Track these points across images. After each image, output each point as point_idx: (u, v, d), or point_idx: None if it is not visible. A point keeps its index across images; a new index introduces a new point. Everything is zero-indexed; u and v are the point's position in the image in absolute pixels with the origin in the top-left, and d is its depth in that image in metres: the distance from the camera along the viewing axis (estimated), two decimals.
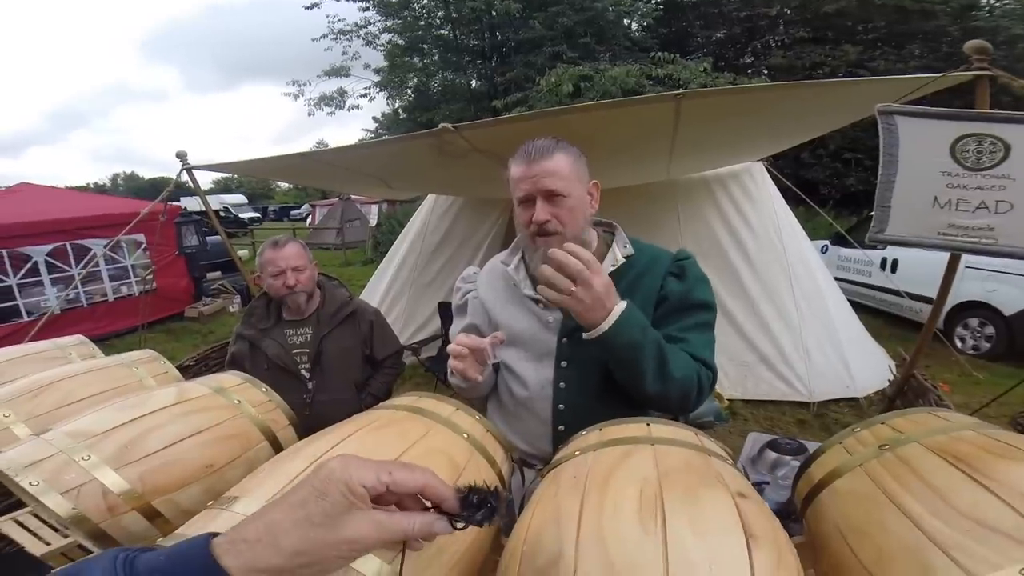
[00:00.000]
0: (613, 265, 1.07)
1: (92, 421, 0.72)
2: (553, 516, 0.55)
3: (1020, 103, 1.55)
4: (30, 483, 0.61)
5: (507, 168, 1.05)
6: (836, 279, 5.21)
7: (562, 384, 1.07)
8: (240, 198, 28.10)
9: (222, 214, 13.64)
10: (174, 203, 8.50)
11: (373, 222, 14.61)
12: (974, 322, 5.50)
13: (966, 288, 5.45)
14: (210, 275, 8.58)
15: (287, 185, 41.07)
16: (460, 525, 0.46)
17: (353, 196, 14.73)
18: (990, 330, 5.38)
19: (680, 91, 1.88)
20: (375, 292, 4.43)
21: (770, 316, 3.41)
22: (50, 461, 0.65)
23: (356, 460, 0.43)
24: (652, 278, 1.07)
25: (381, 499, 0.44)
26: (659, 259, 1.10)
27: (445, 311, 3.93)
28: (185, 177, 2.84)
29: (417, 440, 0.65)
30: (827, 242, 6.96)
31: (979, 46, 1.59)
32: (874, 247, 6.17)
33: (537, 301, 1.10)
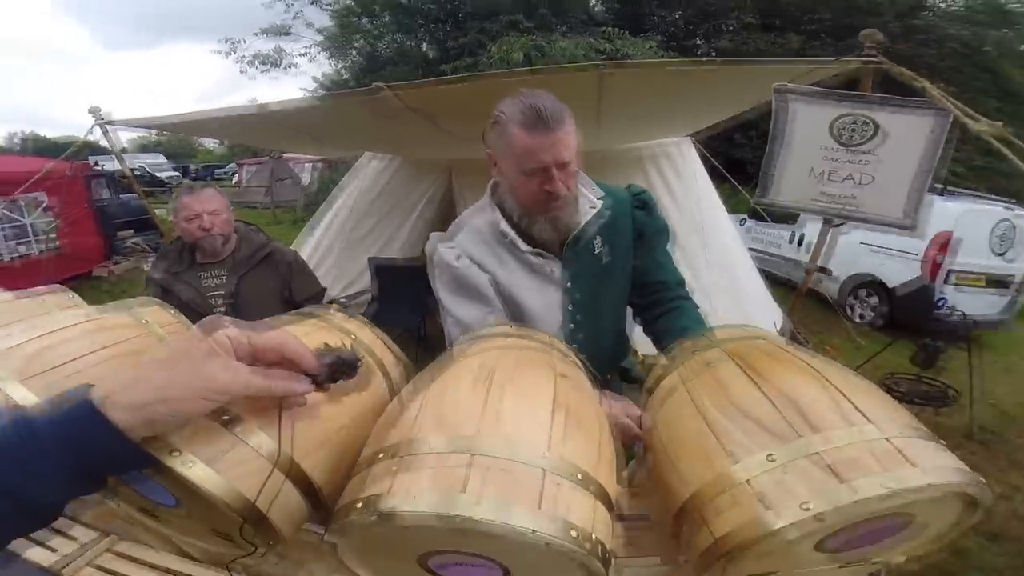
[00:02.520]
0: (593, 208, 1.13)
1: None
2: (409, 390, 0.65)
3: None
4: None
5: (503, 125, 1.00)
6: (752, 250, 5.66)
7: (572, 326, 1.16)
8: (158, 157, 25.81)
9: (138, 174, 12.61)
10: (85, 161, 7.79)
11: (306, 181, 14.03)
12: (864, 293, 6.17)
13: (860, 262, 6.10)
14: (122, 233, 8.00)
15: (212, 144, 38.07)
16: (321, 381, 0.52)
17: (285, 155, 14.03)
18: (875, 301, 6.06)
19: (602, 63, 1.97)
20: (304, 247, 4.32)
21: (688, 280, 3.69)
22: None
23: (218, 316, 0.49)
24: (624, 217, 1.18)
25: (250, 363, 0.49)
26: (621, 196, 1.19)
27: (378, 268, 3.93)
28: (99, 135, 2.62)
29: (302, 337, 0.70)
30: (746, 216, 7.51)
31: (871, 36, 1.76)
32: (785, 223, 6.80)
33: (537, 254, 1.12)
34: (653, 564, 0.78)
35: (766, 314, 4.09)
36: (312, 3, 13.34)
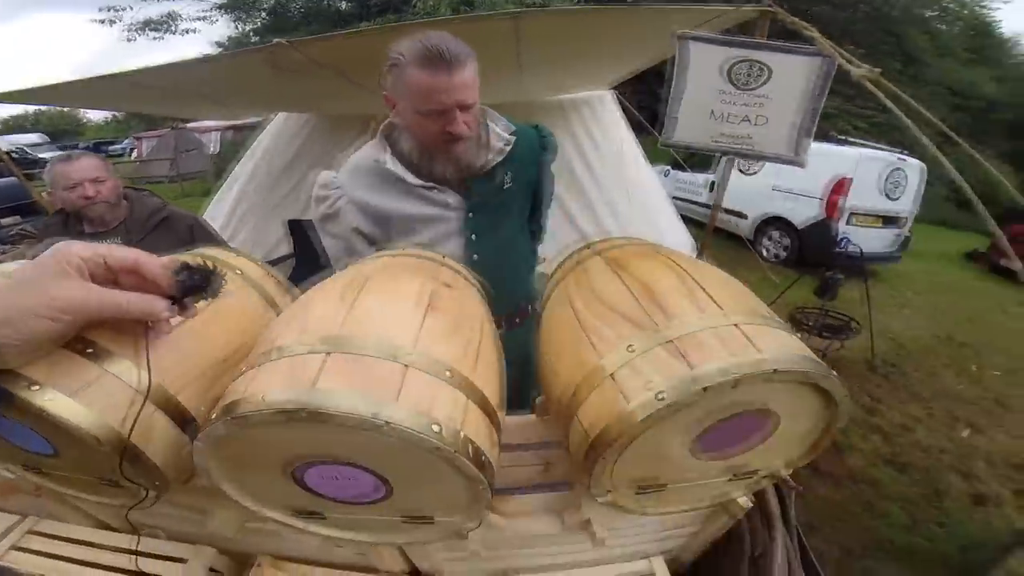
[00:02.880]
0: (507, 144, 1.15)
1: None
2: (292, 304, 0.65)
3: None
4: None
5: (400, 67, 0.97)
6: (675, 198, 5.96)
7: (475, 256, 1.16)
8: (38, 137, 22.76)
9: (15, 155, 11.17)
10: None
11: (214, 150, 13.02)
12: (775, 234, 6.71)
13: (770, 205, 6.62)
14: (5, 220, 7.13)
15: (101, 118, 34.01)
16: (176, 297, 0.50)
17: (188, 124, 12.88)
18: (786, 240, 6.61)
19: (517, 11, 1.94)
20: (216, 216, 4.02)
21: (611, 225, 3.82)
22: None
23: (71, 241, 0.46)
24: (532, 152, 1.22)
25: (104, 284, 0.47)
26: (530, 135, 1.24)
27: (296, 229, 3.74)
28: None
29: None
30: (668, 167, 7.86)
31: None
32: (703, 171, 7.18)
33: (430, 188, 1.12)
34: (563, 491, 0.78)
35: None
36: None
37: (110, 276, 0.47)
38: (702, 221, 7.24)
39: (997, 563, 1.96)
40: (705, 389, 0.49)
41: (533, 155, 1.23)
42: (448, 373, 0.51)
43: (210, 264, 0.51)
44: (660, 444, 0.57)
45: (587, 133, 3.83)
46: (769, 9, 1.85)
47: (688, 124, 1.51)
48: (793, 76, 1.55)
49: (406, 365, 0.49)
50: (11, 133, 25.36)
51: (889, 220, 6.38)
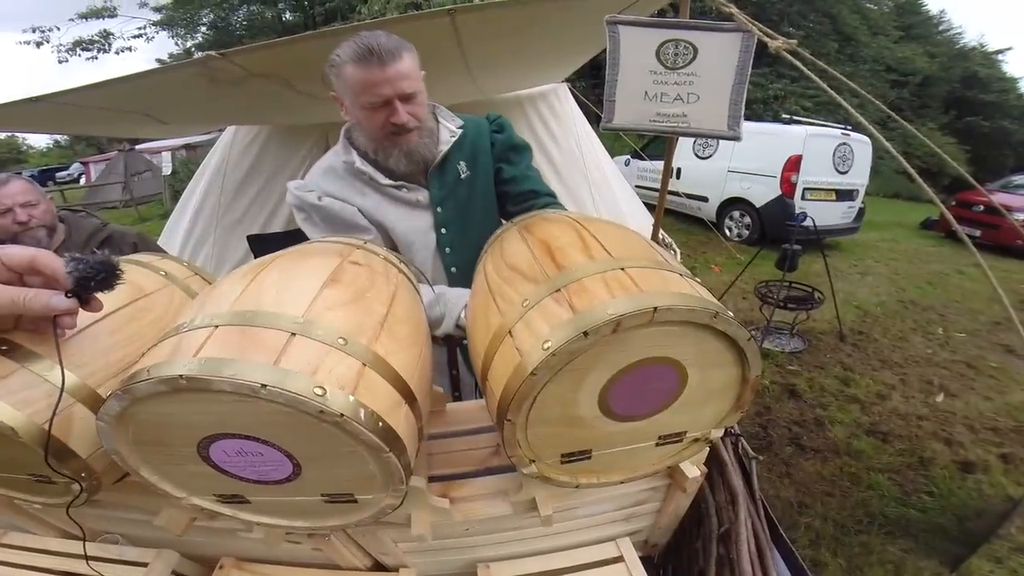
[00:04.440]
0: (453, 136, 1.19)
1: None
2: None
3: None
4: None
5: (338, 67, 1.01)
6: (637, 187, 6.09)
7: (448, 249, 1.20)
8: None
9: None
10: None
11: (167, 171, 12.69)
12: (737, 214, 6.91)
13: (729, 187, 6.84)
14: None
15: (44, 143, 32.67)
16: (74, 291, 0.51)
17: (139, 146, 12.50)
18: (748, 220, 6.82)
19: (451, 7, 1.95)
20: (173, 238, 3.93)
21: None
22: None
23: None
24: (483, 139, 1.26)
25: (7, 284, 0.48)
26: (479, 123, 1.28)
27: (258, 244, 3.69)
28: None
29: None
30: (629, 156, 8.04)
31: None
32: (662, 158, 7.33)
33: (399, 186, 1.16)
34: (514, 473, 0.77)
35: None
36: None
37: (13, 276, 0.48)
38: (669, 208, 7.40)
39: (996, 532, 2.01)
40: (586, 334, 0.47)
41: (485, 141, 1.26)
42: (342, 340, 0.50)
43: (102, 254, 0.52)
44: (566, 404, 0.55)
45: (545, 127, 3.87)
46: None
47: (625, 107, 1.54)
48: (718, 53, 1.60)
49: (292, 333, 0.48)
50: None
51: (842, 193, 6.64)
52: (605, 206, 3.98)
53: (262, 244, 3.70)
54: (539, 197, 1.28)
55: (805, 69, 1.49)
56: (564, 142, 3.91)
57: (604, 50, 1.56)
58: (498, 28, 2.24)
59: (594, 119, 4.66)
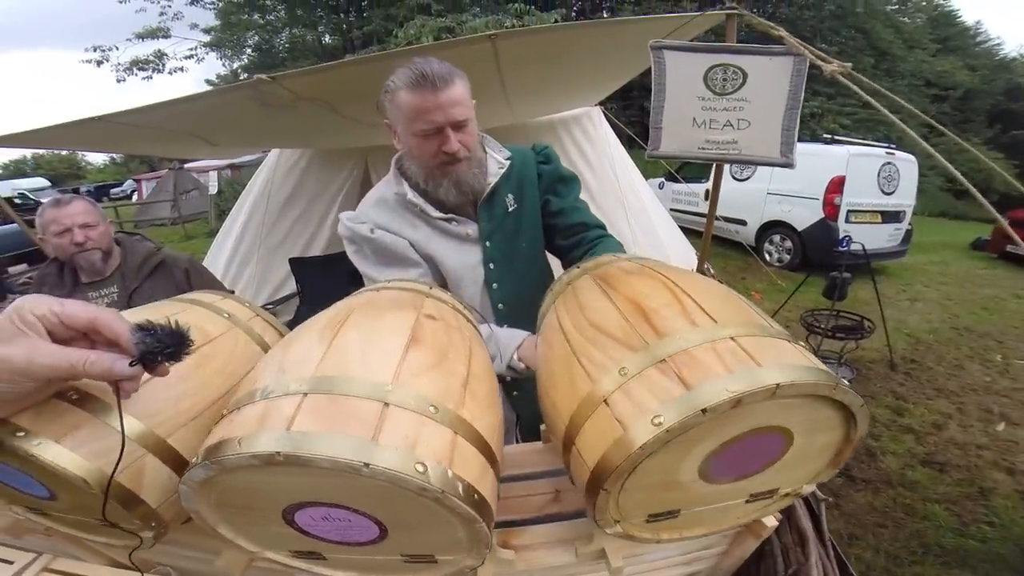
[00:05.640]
0: (501, 168, 1.17)
1: None
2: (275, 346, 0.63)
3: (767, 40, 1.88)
4: None
5: (392, 93, 1.01)
6: (672, 210, 5.98)
7: (495, 284, 1.18)
8: (40, 181, 23.18)
9: (18, 201, 11.32)
10: None
11: (213, 190, 13.20)
12: (777, 238, 6.68)
13: (769, 210, 6.62)
14: (13, 269, 7.19)
15: (101, 160, 34.69)
16: (144, 363, 0.47)
17: (187, 165, 13.10)
18: (789, 244, 6.57)
19: (493, 31, 1.97)
20: (218, 259, 4.06)
21: None
22: None
23: (36, 295, 0.45)
24: (529, 170, 1.23)
25: (71, 341, 0.45)
26: (526, 154, 1.25)
27: (299, 267, 3.76)
28: None
29: (170, 315, 0.68)
30: (663, 179, 7.91)
31: None
32: (698, 181, 7.21)
33: (450, 219, 1.14)
34: (580, 521, 0.75)
35: (688, 266, 4.31)
36: (191, 3, 12.35)
37: (74, 333, 0.45)
38: (699, 230, 7.24)
39: None
40: (704, 411, 0.45)
41: (532, 172, 1.24)
42: (433, 408, 0.49)
43: (174, 323, 0.49)
44: (666, 471, 0.53)
45: (579, 151, 3.85)
46: (735, 12, 1.86)
47: (673, 134, 1.51)
48: (769, 77, 1.55)
49: (386, 403, 0.47)
50: (12, 178, 25.79)
51: (888, 215, 6.35)
52: (642, 231, 3.91)
53: (302, 267, 3.79)
54: (589, 230, 1.24)
55: (863, 93, 1.43)
56: (599, 166, 3.87)
57: (640, 74, 1.53)
58: (537, 52, 2.25)
59: (626, 140, 4.63)
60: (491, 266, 1.18)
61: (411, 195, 1.12)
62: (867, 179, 6.14)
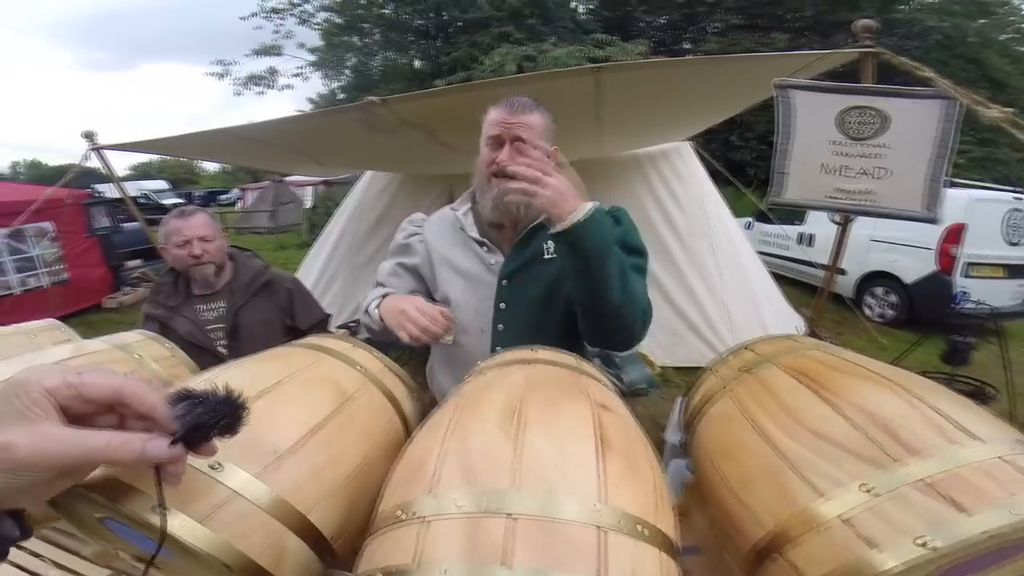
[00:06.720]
0: None
1: None
2: (427, 430, 0.57)
3: (907, 81, 1.70)
4: None
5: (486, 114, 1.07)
6: (760, 253, 5.58)
7: (501, 326, 1.12)
8: (162, 184, 26.09)
9: (141, 200, 12.69)
10: (84, 189, 7.73)
11: (308, 204, 14.13)
12: (880, 291, 6.04)
13: (872, 259, 6.00)
14: (130, 263, 8.00)
15: (213, 169, 38.47)
16: (184, 442, 0.39)
17: (287, 178, 14.18)
18: (894, 298, 5.93)
19: (599, 64, 1.93)
20: (309, 273, 4.28)
21: (697, 286, 3.61)
22: None
23: (50, 366, 0.38)
24: None
25: (88, 419, 0.37)
26: (595, 207, 1.17)
27: None
28: (96, 162, 2.59)
29: (302, 368, 0.63)
30: (751, 219, 7.42)
31: (866, 25, 1.72)
32: (792, 223, 6.72)
33: (481, 243, 1.14)
34: None
35: (781, 316, 3.99)
36: (301, 23, 13.51)
37: (97, 407, 0.37)
38: (793, 278, 6.70)
39: None
40: (990, 536, 0.43)
41: None
42: (641, 528, 0.45)
43: (223, 391, 0.41)
44: None
45: (666, 187, 3.72)
46: (872, 50, 1.69)
47: (799, 181, 1.38)
48: (913, 122, 1.38)
49: (598, 527, 0.43)
50: (139, 179, 29.11)
51: (1014, 269, 5.56)
52: (731, 273, 3.69)
53: None
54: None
55: None
56: (688, 204, 3.71)
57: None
58: (640, 86, 2.19)
59: (719, 179, 4.42)
60: (502, 306, 1.12)
61: (460, 213, 1.17)
62: (990, 228, 5.43)
